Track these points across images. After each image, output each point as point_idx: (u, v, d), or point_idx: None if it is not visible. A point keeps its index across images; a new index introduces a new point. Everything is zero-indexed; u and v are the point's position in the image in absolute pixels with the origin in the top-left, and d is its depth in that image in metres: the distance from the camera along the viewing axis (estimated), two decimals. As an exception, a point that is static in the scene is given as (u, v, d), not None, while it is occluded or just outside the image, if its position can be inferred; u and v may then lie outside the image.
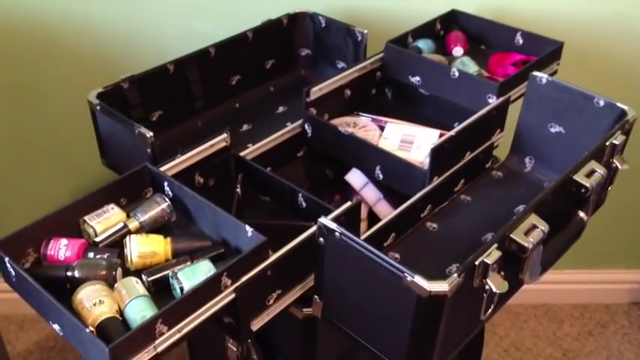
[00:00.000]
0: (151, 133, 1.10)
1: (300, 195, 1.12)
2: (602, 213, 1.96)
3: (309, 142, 1.34)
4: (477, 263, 0.85)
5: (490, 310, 0.92)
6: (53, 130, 1.68)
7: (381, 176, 1.24)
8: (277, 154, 1.30)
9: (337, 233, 0.89)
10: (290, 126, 1.31)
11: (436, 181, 1.17)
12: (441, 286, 0.81)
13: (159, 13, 1.53)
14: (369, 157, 1.24)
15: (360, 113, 1.40)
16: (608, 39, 1.62)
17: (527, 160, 1.29)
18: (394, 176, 1.22)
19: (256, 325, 0.96)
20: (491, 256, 0.86)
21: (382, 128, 1.36)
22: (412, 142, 1.31)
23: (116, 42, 1.55)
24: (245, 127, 1.37)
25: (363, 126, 1.36)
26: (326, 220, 0.90)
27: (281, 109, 1.43)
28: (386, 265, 0.85)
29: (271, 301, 0.97)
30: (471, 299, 0.90)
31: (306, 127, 1.32)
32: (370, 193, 1.29)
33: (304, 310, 1.04)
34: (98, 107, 1.17)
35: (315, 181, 1.39)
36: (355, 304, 0.93)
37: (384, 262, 0.85)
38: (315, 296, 0.99)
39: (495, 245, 0.87)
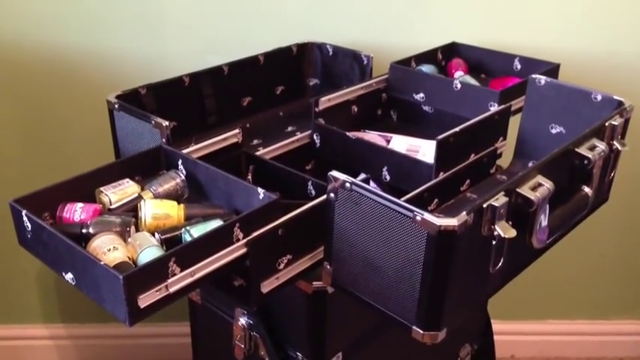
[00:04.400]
0: (167, 123, 1.14)
1: (309, 183, 1.15)
2: (614, 261, 1.97)
3: (318, 155, 1.38)
4: (485, 206, 0.87)
5: (500, 264, 0.92)
6: (69, 159, 1.73)
7: (388, 177, 1.27)
8: (286, 166, 1.33)
9: (348, 183, 0.91)
10: (299, 135, 1.36)
11: (442, 175, 1.20)
12: (450, 222, 0.83)
13: (173, 46, 1.62)
14: (375, 159, 1.28)
15: (367, 130, 1.45)
16: (605, 72, 1.69)
17: (530, 164, 1.32)
18: (401, 175, 1.25)
19: (266, 287, 0.96)
20: (499, 200, 0.88)
21: (388, 142, 1.40)
22: (418, 150, 1.35)
23: (130, 73, 1.63)
24: (255, 141, 1.41)
25: (369, 139, 1.41)
26: (337, 173, 0.92)
27: (290, 128, 1.48)
28: (396, 207, 0.87)
29: (282, 265, 0.98)
30: (481, 251, 0.91)
31: (315, 137, 1.36)
32: (378, 198, 1.32)
33: (314, 283, 1.04)
34: (116, 105, 1.22)
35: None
36: (365, 264, 0.94)
37: (394, 204, 0.87)
38: (325, 262, 0.99)
39: (502, 193, 0.89)
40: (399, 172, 1.25)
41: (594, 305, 2.06)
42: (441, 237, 0.83)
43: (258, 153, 1.28)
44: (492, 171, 1.33)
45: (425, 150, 1.36)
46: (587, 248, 1.93)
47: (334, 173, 0.93)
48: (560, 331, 2.08)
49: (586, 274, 2.01)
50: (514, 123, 1.34)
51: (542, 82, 1.26)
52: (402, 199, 1.10)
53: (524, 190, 0.92)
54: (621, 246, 1.97)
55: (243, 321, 1.17)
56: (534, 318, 2.07)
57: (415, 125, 1.47)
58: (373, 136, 1.42)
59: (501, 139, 1.33)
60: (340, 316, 1.10)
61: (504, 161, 1.36)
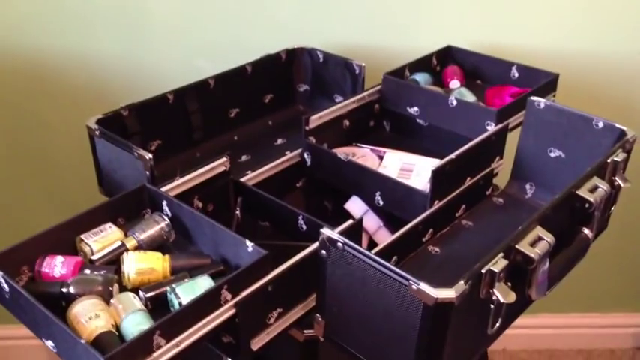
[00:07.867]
0: (150, 156, 1.09)
1: (300, 217, 1.11)
2: (606, 254, 1.95)
3: (308, 173, 1.33)
4: (483, 271, 0.83)
5: (497, 325, 0.90)
6: (51, 164, 1.68)
7: (381, 202, 1.23)
8: (276, 184, 1.29)
9: (340, 243, 0.87)
10: (289, 155, 1.31)
11: (437, 204, 1.16)
12: (447, 293, 0.79)
13: (159, 50, 1.56)
14: (368, 183, 1.23)
15: (359, 144, 1.40)
16: (604, 74, 1.64)
17: (527, 186, 1.28)
18: (394, 202, 1.21)
19: (256, 344, 0.93)
20: (498, 264, 0.84)
21: (381, 158, 1.35)
22: (411, 170, 1.31)
23: (116, 78, 1.57)
24: (244, 157, 1.37)
25: (362, 156, 1.36)
26: (328, 231, 0.88)
27: (280, 141, 1.43)
28: (391, 273, 0.83)
29: (272, 320, 0.94)
30: (478, 312, 0.88)
31: (305, 156, 1.31)
32: (370, 221, 1.28)
33: (305, 331, 1.01)
34: (97, 132, 1.17)
35: (313, 213, 1.37)
36: (359, 321, 0.91)
37: (388, 270, 0.83)
38: (317, 315, 0.96)
39: (501, 254, 0.85)
40: (392, 198, 1.21)
41: (587, 299, 2.06)
42: (437, 308, 0.80)
43: (246, 178, 1.23)
44: (488, 192, 1.29)
45: (419, 169, 1.31)
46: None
47: (326, 231, 0.88)
48: (552, 324, 2.08)
49: (579, 268, 1.99)
50: (511, 140, 1.30)
51: (542, 105, 1.21)
52: (396, 235, 1.07)
53: (524, 247, 0.89)
54: (613, 240, 1.95)
55: (232, 361, 1.14)
56: (528, 312, 2.06)
57: (409, 137, 1.43)
58: (366, 152, 1.37)
59: (498, 158, 1.29)
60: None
61: (501, 180, 1.32)
